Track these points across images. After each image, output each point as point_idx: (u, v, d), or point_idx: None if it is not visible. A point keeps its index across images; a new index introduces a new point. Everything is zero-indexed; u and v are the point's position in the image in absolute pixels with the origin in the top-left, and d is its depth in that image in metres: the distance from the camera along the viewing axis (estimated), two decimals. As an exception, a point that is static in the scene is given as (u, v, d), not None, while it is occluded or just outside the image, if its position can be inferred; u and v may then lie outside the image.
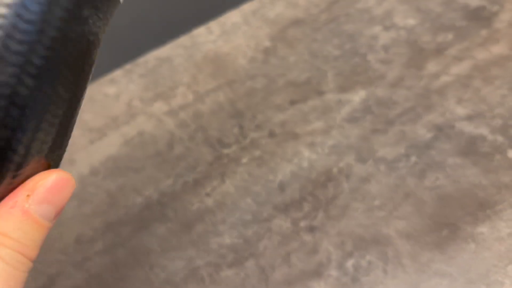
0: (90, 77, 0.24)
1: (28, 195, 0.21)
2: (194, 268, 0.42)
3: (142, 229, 0.46)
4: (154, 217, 0.47)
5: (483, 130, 0.44)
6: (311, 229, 0.42)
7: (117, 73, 0.57)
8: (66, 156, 0.53)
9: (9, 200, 0.22)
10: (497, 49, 0.50)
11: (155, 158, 0.51)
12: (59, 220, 0.49)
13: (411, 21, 0.56)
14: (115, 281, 0.44)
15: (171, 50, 0.58)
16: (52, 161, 0.24)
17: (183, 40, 0.58)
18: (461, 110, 0.46)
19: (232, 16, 0.59)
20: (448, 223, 0.40)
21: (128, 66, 0.57)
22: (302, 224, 0.42)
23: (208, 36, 0.61)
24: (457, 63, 0.50)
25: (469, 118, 0.45)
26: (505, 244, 0.38)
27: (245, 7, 0.59)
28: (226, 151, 0.50)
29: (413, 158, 0.44)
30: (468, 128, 0.45)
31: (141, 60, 0.58)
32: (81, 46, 0.22)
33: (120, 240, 0.46)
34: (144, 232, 0.46)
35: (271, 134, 0.49)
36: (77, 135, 0.54)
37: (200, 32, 0.58)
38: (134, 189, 0.49)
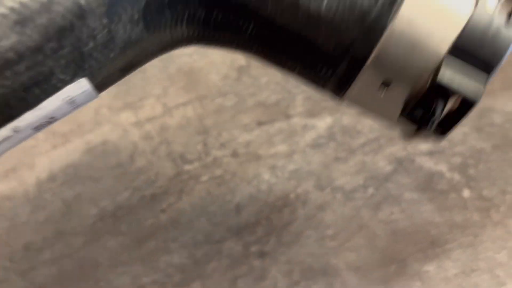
0: None
1: None
2: (139, 285, 0.41)
3: (94, 241, 0.45)
4: (106, 230, 0.46)
5: (442, 167, 0.44)
6: (262, 255, 0.41)
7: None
8: (26, 159, 0.53)
9: None
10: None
11: (115, 169, 0.50)
12: (10, 225, 0.48)
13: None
14: (59, 293, 0.43)
15: (145, 61, 0.58)
16: None
17: (157, 51, 0.58)
18: (422, 146, 0.46)
19: (209, 32, 0.59)
20: (398, 258, 0.39)
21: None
22: (253, 248, 0.42)
23: (184, 49, 0.61)
24: (425, 97, 0.51)
25: (430, 153, 0.46)
26: (451, 285, 0.38)
27: (222, 24, 0.59)
28: (187, 167, 0.50)
29: (371, 190, 0.44)
30: (428, 163, 0.45)
31: (113, 68, 0.57)
32: None
33: (70, 251, 0.45)
34: (95, 244, 0.45)
35: (235, 154, 0.49)
36: (41, 138, 0.53)
37: (174, 45, 0.58)
38: (91, 199, 0.48)
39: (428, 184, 0.43)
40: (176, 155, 0.51)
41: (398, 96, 0.24)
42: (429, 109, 0.23)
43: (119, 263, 0.43)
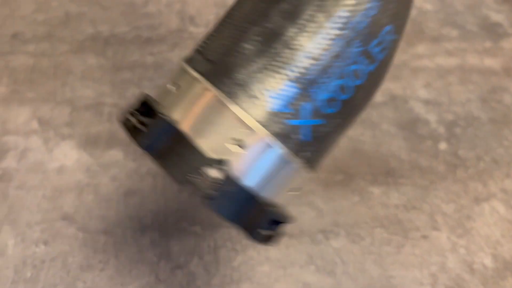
0: None
1: None
2: (99, 102, 0.42)
3: (77, 53, 0.45)
4: (93, 49, 0.46)
5: (431, 117, 0.43)
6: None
7: None
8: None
9: None
10: (490, 62, 0.48)
11: (126, 6, 0.50)
12: (10, 12, 0.49)
13: (428, 6, 0.54)
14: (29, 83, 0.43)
15: None
16: None
17: None
18: (423, 93, 0.45)
19: None
20: (347, 172, 0.38)
21: None
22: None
23: None
24: (445, 57, 0.48)
25: (426, 102, 0.44)
26: (386, 211, 0.36)
27: None
28: (192, 29, 0.49)
29: (353, 109, 0.42)
30: (420, 109, 0.43)
31: None
32: None
33: (52, 52, 0.45)
34: (77, 55, 0.45)
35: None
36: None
37: None
38: (91, 20, 0.49)
39: (410, 125, 0.42)
40: (186, 15, 0.50)
41: None
42: None
43: (91, 78, 0.43)
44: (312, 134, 0.25)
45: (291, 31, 0.24)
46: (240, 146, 0.23)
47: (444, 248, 0.35)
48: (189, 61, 0.26)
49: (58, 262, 0.33)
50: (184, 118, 0.24)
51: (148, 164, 0.38)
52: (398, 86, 0.45)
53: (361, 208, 0.36)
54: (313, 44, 0.24)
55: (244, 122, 0.23)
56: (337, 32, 0.24)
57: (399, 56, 0.47)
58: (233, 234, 0.34)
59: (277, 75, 0.23)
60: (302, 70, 0.24)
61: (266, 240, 0.24)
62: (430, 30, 0.51)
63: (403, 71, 0.47)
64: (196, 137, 0.23)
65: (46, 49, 0.46)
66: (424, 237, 0.35)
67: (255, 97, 0.23)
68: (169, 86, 0.26)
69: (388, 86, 0.45)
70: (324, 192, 0.37)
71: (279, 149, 0.24)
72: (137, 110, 0.25)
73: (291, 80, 0.23)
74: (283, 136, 0.24)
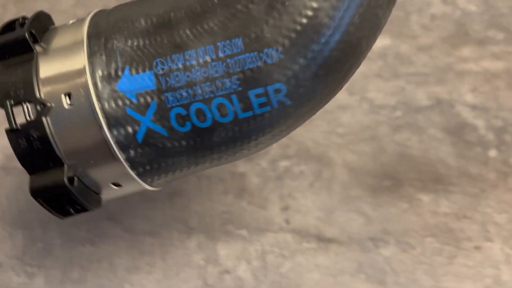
0: None
1: None
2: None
3: None
4: None
5: (479, 123, 0.42)
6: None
7: None
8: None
9: None
10: (538, 67, 0.47)
11: None
12: (50, 6, 0.48)
13: (472, 7, 0.52)
14: None
15: None
16: None
17: None
18: (469, 97, 0.43)
19: None
20: (395, 178, 0.37)
21: None
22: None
23: None
24: (492, 60, 0.47)
25: (473, 107, 0.43)
26: (436, 220, 0.35)
27: None
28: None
29: (398, 113, 0.41)
30: (467, 114, 0.42)
31: None
32: None
33: None
34: None
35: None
36: None
37: None
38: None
39: (458, 131, 0.41)
40: None
41: None
42: None
43: None
44: (144, 137, 0.23)
45: (187, 30, 0.23)
46: (68, 97, 0.23)
47: (498, 260, 0.34)
48: (99, 11, 0.26)
49: (105, 263, 0.33)
50: (52, 45, 0.24)
51: (192, 165, 0.37)
52: (443, 89, 0.44)
53: (410, 216, 0.36)
54: (194, 52, 0.22)
55: (87, 81, 0.23)
56: (223, 55, 0.22)
57: (444, 59, 0.46)
58: (280, 239, 0.34)
59: (145, 60, 0.23)
60: (168, 70, 0.23)
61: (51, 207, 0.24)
62: (475, 33, 0.49)
63: (448, 74, 0.45)
64: (43, 70, 0.23)
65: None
66: (477, 248, 0.34)
67: (112, 66, 0.23)
68: (70, 21, 0.26)
69: (433, 89, 0.44)
70: (372, 198, 0.36)
71: (103, 126, 0.23)
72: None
73: (152, 72, 0.23)
74: (112, 117, 0.23)
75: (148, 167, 0.24)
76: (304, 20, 0.22)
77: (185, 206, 0.35)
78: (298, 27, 0.22)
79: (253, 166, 0.37)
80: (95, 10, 0.27)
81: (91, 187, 0.24)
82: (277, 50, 0.22)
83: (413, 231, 0.35)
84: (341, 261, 0.33)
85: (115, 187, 0.25)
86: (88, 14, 0.26)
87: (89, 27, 0.24)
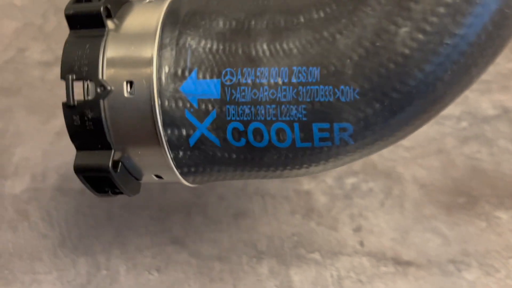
0: None
1: None
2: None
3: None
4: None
5: (551, 133, 0.39)
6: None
7: None
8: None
9: None
10: None
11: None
12: None
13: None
14: None
15: None
16: None
17: None
18: (537, 106, 0.41)
19: None
20: (470, 194, 0.35)
21: None
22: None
23: None
24: (556, 65, 0.45)
25: (542, 116, 0.41)
26: (518, 239, 0.34)
27: None
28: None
29: (464, 124, 0.39)
30: (536, 124, 0.40)
31: None
32: None
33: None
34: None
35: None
36: None
37: None
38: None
39: (529, 142, 0.39)
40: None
41: None
42: None
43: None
44: (196, 142, 0.22)
45: (264, 45, 0.21)
46: (130, 85, 0.22)
47: None
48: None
49: (174, 291, 0.31)
50: (125, 24, 0.23)
51: (255, 183, 0.35)
52: (508, 97, 0.42)
53: (490, 235, 0.34)
54: (267, 71, 0.21)
55: (152, 74, 0.22)
56: (296, 81, 0.21)
57: (507, 65, 0.44)
58: (355, 263, 0.32)
59: (214, 65, 0.21)
60: (236, 82, 0.21)
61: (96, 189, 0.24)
62: (534, 35, 0.47)
63: (511, 81, 0.43)
64: (110, 50, 0.22)
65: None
66: None
67: (180, 65, 0.22)
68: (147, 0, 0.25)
69: (498, 98, 0.42)
70: (447, 217, 0.34)
71: (159, 123, 0.22)
72: None
73: (220, 81, 0.21)
74: (169, 116, 0.22)
75: (193, 169, 0.24)
76: (392, 66, 0.20)
77: (252, 228, 0.33)
78: (384, 71, 0.20)
79: (319, 184, 0.36)
80: None
81: (133, 172, 0.24)
82: (354, 90, 0.20)
83: (495, 251, 0.33)
84: (422, 286, 0.31)
85: (156, 178, 0.25)
86: None
87: (165, 13, 0.23)
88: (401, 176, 0.36)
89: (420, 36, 0.19)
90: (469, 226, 0.34)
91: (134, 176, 0.24)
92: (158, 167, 0.24)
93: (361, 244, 0.33)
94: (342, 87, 0.20)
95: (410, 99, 0.20)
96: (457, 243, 0.33)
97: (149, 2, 0.25)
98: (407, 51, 0.20)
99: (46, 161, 0.36)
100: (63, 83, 0.22)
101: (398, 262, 0.32)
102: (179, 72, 0.22)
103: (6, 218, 0.33)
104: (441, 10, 0.19)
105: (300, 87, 0.21)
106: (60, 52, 0.43)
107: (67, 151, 0.35)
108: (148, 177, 0.25)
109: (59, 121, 0.38)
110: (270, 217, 0.34)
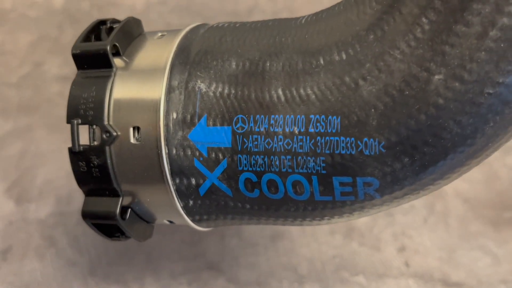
0: None
1: None
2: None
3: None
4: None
5: None
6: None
7: None
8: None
9: None
10: None
11: (229, 16, 0.46)
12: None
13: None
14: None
15: None
16: None
17: None
18: None
19: None
20: (516, 208, 0.34)
21: None
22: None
23: None
24: None
25: None
26: None
27: None
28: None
29: (504, 132, 0.38)
30: None
31: None
32: None
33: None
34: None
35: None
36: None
37: None
38: (196, 34, 0.45)
39: None
40: (297, 26, 0.46)
41: None
42: None
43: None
44: (207, 192, 0.21)
45: (279, 90, 0.19)
46: (137, 131, 0.21)
47: None
48: (194, 28, 0.23)
49: (213, 320, 0.29)
50: (135, 62, 0.22)
51: (290, 201, 0.34)
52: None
53: (541, 253, 0.32)
54: (282, 119, 0.19)
55: (159, 121, 0.20)
56: (314, 131, 0.19)
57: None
58: (402, 286, 0.30)
59: (225, 112, 0.20)
60: (248, 130, 0.20)
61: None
62: None
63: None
64: (117, 93, 0.21)
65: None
66: None
67: (189, 110, 0.20)
68: (159, 33, 0.24)
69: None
70: (495, 234, 0.33)
71: (166, 172, 0.21)
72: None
73: (231, 128, 0.20)
74: (177, 166, 0.21)
75: (205, 217, 0.22)
76: (423, 117, 0.17)
77: (290, 250, 0.32)
78: (413, 123, 0.17)
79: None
80: (189, 27, 0.23)
81: (144, 217, 0.23)
82: (379, 143, 0.18)
83: (548, 270, 0.31)
84: (474, 309, 0.30)
85: (167, 222, 0.24)
86: (179, 31, 0.23)
87: (176, 52, 0.22)
88: (443, 190, 0.35)
89: (457, 85, 0.17)
90: (519, 243, 0.32)
91: (145, 220, 0.23)
92: (168, 214, 0.23)
93: (407, 264, 0.31)
94: (365, 139, 0.18)
95: (445, 153, 0.18)
96: (507, 262, 0.31)
97: (161, 36, 0.23)
98: (441, 101, 0.17)
99: (71, 182, 0.34)
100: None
101: (447, 283, 0.30)
102: (188, 118, 0.20)
103: (32, 245, 0.32)
104: (482, 55, 0.16)
105: (318, 138, 0.19)
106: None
107: (92, 172, 0.34)
108: (161, 221, 0.24)
109: (82, 139, 0.37)
110: (309, 238, 0.32)
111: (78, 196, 0.34)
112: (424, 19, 0.17)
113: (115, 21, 0.24)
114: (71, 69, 0.41)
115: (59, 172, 0.35)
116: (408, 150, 0.18)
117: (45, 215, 0.33)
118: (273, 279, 0.31)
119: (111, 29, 0.24)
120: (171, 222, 0.24)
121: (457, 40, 0.17)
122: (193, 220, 0.23)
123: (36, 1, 0.46)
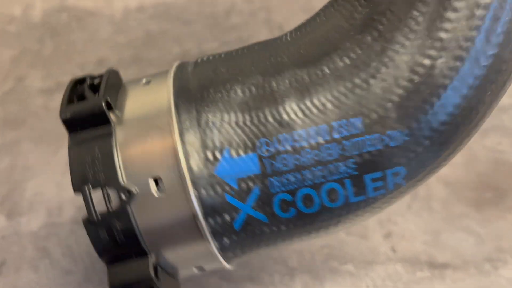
0: None
1: None
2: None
3: (170, 77, 0.42)
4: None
5: None
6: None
7: None
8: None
9: None
10: None
11: (209, 19, 0.47)
12: (89, 38, 0.46)
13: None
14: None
15: None
16: None
17: None
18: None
19: None
20: (496, 188, 0.35)
21: None
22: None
23: None
24: None
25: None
26: (551, 231, 0.33)
27: None
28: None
29: (481, 115, 0.39)
30: (553, 109, 0.40)
31: None
32: None
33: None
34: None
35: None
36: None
37: None
38: (176, 38, 0.45)
39: (549, 128, 0.38)
40: (274, 24, 0.46)
41: None
42: None
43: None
44: (242, 224, 0.21)
45: (294, 105, 0.20)
46: (157, 184, 0.20)
47: None
48: (179, 67, 0.23)
49: (208, 317, 0.30)
50: (128, 113, 0.21)
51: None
52: (522, 84, 0.41)
53: (523, 229, 0.33)
54: (305, 132, 0.20)
55: (180, 165, 0.20)
56: (339, 136, 0.20)
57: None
58: (390, 271, 0.31)
59: (246, 139, 0.20)
60: (275, 152, 0.20)
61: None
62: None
63: None
64: (123, 148, 0.20)
65: (135, 74, 0.42)
66: None
67: (209, 147, 0.20)
68: (144, 80, 0.23)
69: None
70: (477, 214, 0.34)
71: (199, 216, 0.20)
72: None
73: (256, 154, 0.20)
74: (209, 206, 0.20)
75: (239, 252, 0.22)
76: (435, 99, 0.19)
77: (280, 244, 0.33)
78: (428, 107, 0.19)
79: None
80: (173, 67, 0.23)
81: (170, 272, 0.22)
82: (402, 132, 0.19)
83: (530, 245, 0.32)
84: (461, 288, 0.31)
85: (196, 270, 0.23)
86: (165, 73, 0.22)
87: (175, 93, 0.21)
88: (425, 175, 0.35)
89: (458, 64, 0.19)
90: (501, 221, 0.33)
91: (170, 273, 0.23)
92: (199, 259, 0.22)
93: (393, 250, 0.32)
94: (389, 132, 0.19)
95: (457, 127, 0.20)
96: (491, 240, 0.32)
97: (147, 82, 0.23)
98: (447, 81, 0.19)
99: (61, 194, 0.35)
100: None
101: (434, 265, 0.31)
102: (210, 155, 0.20)
103: (26, 258, 0.32)
104: (474, 34, 0.19)
105: (344, 142, 0.19)
106: (61, 78, 0.42)
107: (81, 181, 0.34)
108: (186, 272, 0.23)
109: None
110: (298, 231, 0.33)
111: (68, 207, 0.34)
112: (415, 12, 0.19)
113: (93, 77, 0.23)
114: (54, 81, 0.42)
115: (48, 184, 0.35)
116: (428, 132, 0.20)
117: (37, 227, 0.34)
118: (264, 274, 0.31)
119: (92, 85, 0.23)
120: (201, 270, 0.23)
121: (450, 25, 0.19)
122: (225, 259, 0.22)
123: (15, 16, 0.46)
